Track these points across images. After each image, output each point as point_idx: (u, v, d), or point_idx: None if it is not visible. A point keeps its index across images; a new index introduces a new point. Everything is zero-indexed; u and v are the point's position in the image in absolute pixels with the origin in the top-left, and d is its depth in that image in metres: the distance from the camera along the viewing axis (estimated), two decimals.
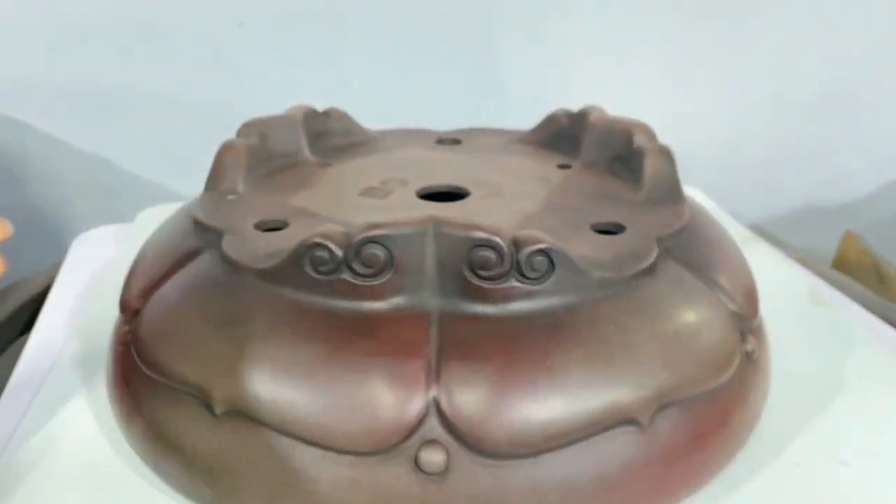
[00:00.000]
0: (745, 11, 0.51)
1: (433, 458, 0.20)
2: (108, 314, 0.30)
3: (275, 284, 0.23)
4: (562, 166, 0.33)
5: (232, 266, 0.24)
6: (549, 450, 0.21)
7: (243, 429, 0.21)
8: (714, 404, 0.23)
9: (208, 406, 0.22)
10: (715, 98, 0.53)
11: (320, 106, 0.35)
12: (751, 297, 0.27)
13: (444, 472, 0.20)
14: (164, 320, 0.24)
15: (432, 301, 0.22)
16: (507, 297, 0.22)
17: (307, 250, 0.22)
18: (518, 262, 0.22)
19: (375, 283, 0.22)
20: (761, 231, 0.54)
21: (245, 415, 0.21)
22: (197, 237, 0.27)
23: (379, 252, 0.22)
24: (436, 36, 0.52)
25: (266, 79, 0.52)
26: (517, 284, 0.22)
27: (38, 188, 0.56)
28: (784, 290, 0.36)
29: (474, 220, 0.22)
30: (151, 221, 0.42)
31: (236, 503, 0.22)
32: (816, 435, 0.26)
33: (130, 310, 0.26)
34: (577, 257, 0.22)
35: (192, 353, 0.23)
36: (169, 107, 0.53)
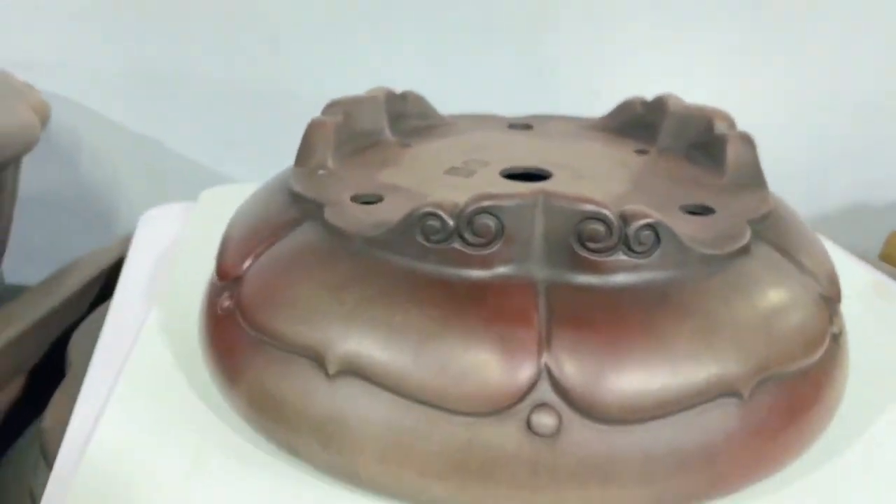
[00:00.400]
0: (801, 8, 0.51)
1: (545, 420, 0.21)
2: (188, 284, 0.31)
3: (385, 251, 0.24)
4: (639, 151, 0.33)
5: (338, 234, 0.25)
6: (656, 417, 0.21)
7: (357, 389, 0.22)
8: (807, 381, 0.24)
9: (321, 367, 0.22)
10: (766, 94, 0.53)
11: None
12: (834, 281, 0.27)
13: (555, 435, 0.21)
14: (271, 286, 0.25)
15: (540, 271, 0.23)
16: (614, 269, 0.23)
17: (419, 219, 0.23)
18: (626, 236, 0.22)
19: (485, 252, 0.23)
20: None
21: (359, 375, 0.22)
22: (295, 208, 0.27)
23: (490, 222, 0.22)
24: (492, 24, 0.52)
25: (320, 69, 0.53)
26: (624, 257, 0.23)
27: (91, 169, 0.57)
28: (853, 285, 0.36)
29: (586, 196, 0.23)
30: (215, 200, 0.43)
31: (347, 461, 0.22)
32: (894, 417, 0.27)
33: (230, 277, 0.27)
34: (681, 234, 0.23)
35: (303, 315, 0.23)
36: (221, 94, 0.54)
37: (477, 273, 0.23)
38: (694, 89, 0.46)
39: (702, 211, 0.27)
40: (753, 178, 0.30)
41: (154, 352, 0.29)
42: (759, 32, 0.52)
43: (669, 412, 0.21)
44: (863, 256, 0.49)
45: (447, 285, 0.23)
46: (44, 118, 0.44)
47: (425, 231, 0.23)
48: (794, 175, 0.55)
